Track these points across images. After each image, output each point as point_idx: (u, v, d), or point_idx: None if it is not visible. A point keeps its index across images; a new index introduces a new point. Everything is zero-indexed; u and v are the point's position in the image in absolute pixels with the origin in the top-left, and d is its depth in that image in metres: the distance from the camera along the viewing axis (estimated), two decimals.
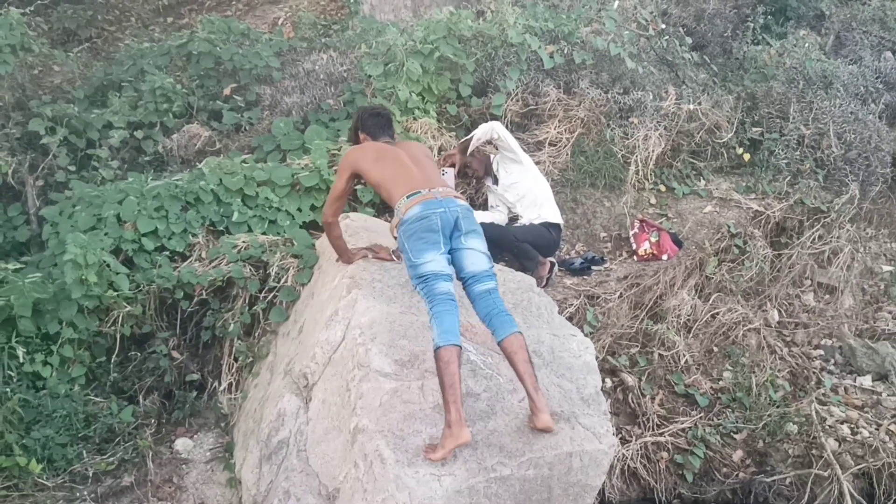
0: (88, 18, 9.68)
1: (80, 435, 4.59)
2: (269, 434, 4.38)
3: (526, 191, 5.93)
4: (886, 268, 7.07)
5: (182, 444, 4.89)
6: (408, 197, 4.01)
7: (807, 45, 7.96)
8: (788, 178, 7.01)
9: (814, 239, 6.81)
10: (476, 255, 4.00)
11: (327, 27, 8.57)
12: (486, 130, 5.78)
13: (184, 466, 4.75)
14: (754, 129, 7.32)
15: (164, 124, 6.95)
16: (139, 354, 5.16)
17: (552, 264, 5.97)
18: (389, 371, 3.99)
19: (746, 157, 7.18)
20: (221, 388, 5.26)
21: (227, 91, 7.25)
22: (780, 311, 6.55)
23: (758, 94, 7.50)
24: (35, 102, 6.89)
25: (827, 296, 6.77)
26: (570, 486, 3.86)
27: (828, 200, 6.96)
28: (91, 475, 4.48)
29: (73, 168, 6.46)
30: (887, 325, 6.50)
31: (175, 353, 5.27)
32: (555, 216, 5.97)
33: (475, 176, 6.19)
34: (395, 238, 4.14)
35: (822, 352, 6.25)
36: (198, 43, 7.52)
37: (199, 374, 5.32)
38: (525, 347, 3.81)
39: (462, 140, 6.01)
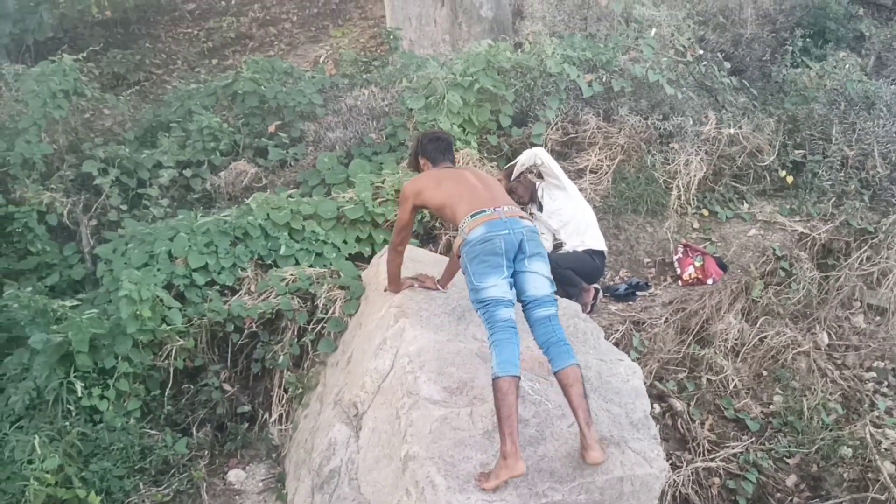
0: (137, 63, 10.03)
1: (136, 467, 4.69)
2: (320, 463, 4.43)
3: (570, 217, 5.97)
4: None
5: (235, 475, 4.96)
6: (472, 216, 3.92)
7: (847, 66, 7.92)
8: (833, 199, 6.95)
9: (861, 260, 6.72)
10: (539, 279, 3.92)
11: (368, 63, 8.75)
12: (530, 156, 5.85)
13: (237, 497, 4.82)
14: (797, 152, 7.28)
15: (212, 162, 7.14)
16: (192, 387, 5.26)
17: (596, 291, 5.97)
18: (438, 398, 4.03)
19: (789, 179, 7.14)
20: (272, 419, 5.33)
21: (271, 128, 7.43)
22: (829, 334, 6.46)
23: (799, 117, 7.46)
24: (88, 145, 7.13)
25: (878, 317, 6.66)
26: None
27: (874, 221, 6.87)
28: None
29: (124, 207, 6.67)
30: None
31: (226, 386, 5.37)
32: (598, 243, 5.99)
33: (520, 202, 6.24)
34: (459, 257, 4.05)
35: (874, 374, 6.14)
36: (243, 83, 7.73)
37: (250, 405, 5.41)
38: (581, 381, 3.75)
39: (507, 166, 6.08)
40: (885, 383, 6.02)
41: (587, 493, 3.75)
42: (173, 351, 5.13)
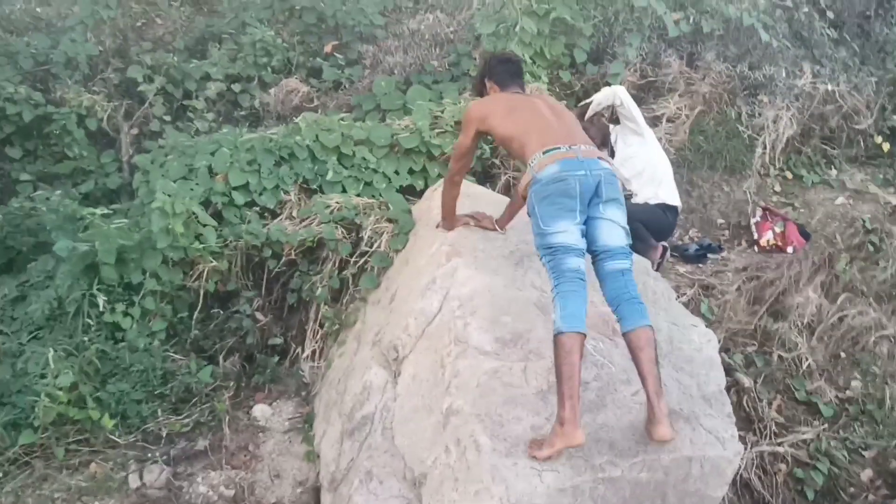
0: None
1: (156, 392, 4.37)
2: (352, 408, 4.05)
3: (644, 166, 5.43)
4: None
5: (260, 410, 4.62)
6: (544, 153, 3.43)
7: None
8: None
9: None
10: (615, 228, 3.45)
11: None
12: (608, 95, 5.31)
13: (261, 435, 4.47)
14: (895, 118, 6.63)
15: (262, 79, 6.74)
16: (221, 313, 4.91)
17: (665, 249, 5.47)
18: (489, 349, 3.60)
19: (885, 147, 6.52)
20: (305, 354, 4.97)
21: (328, 48, 6.98)
22: None
23: None
24: (136, 49, 6.75)
25: None
26: (686, 495, 3.40)
27: None
28: (164, 435, 4.26)
29: (168, 118, 6.34)
30: None
31: (259, 315, 5.01)
32: (673, 198, 5.46)
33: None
34: (523, 198, 3.58)
35: None
36: None
37: (283, 338, 5.05)
38: (654, 344, 3.29)
39: (581, 104, 5.55)
40: None
41: (650, 470, 3.31)
42: (205, 272, 4.76)
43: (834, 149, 6.49)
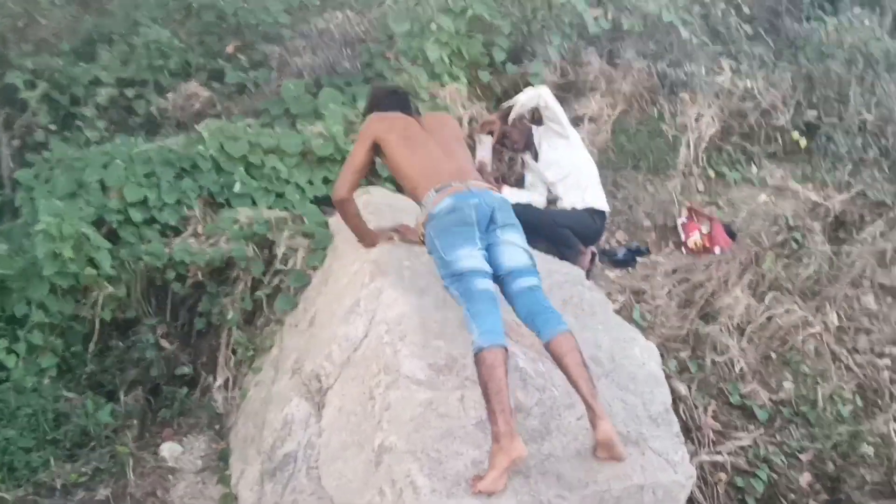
0: None
1: (47, 438, 3.89)
2: (272, 445, 3.68)
3: (570, 170, 5.22)
4: None
5: (169, 449, 4.20)
6: (437, 190, 3.46)
7: (866, 23, 7.25)
8: (849, 167, 6.33)
9: (875, 235, 6.14)
10: (515, 249, 3.42)
11: None
12: (532, 96, 5.07)
13: (170, 477, 4.06)
14: (810, 113, 6.62)
15: (159, 83, 6.21)
16: (121, 343, 4.44)
17: (593, 254, 5.30)
18: (423, 378, 3.30)
19: (802, 142, 6.49)
20: (217, 384, 4.56)
21: (230, 49, 6.51)
22: (839, 315, 5.87)
23: (814, 75, 6.79)
24: (16, 53, 6.15)
25: (889, 299, 6.09)
26: None
27: (892, 193, 6.27)
28: (59, 487, 3.78)
29: (54, 127, 5.75)
30: None
31: (164, 343, 4.57)
32: (600, 202, 5.26)
33: (514, 148, 5.47)
34: (422, 237, 3.56)
35: (888, 361, 5.58)
36: None
37: (192, 367, 4.62)
38: (577, 348, 3.17)
39: (503, 106, 5.30)
40: None
41: (601, 502, 3.08)
42: (100, 299, 4.29)
43: (753, 146, 6.43)
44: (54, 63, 6.02)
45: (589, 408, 3.10)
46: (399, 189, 5.20)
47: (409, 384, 3.26)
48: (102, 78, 6.07)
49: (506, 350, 3.08)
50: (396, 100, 3.95)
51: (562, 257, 4.93)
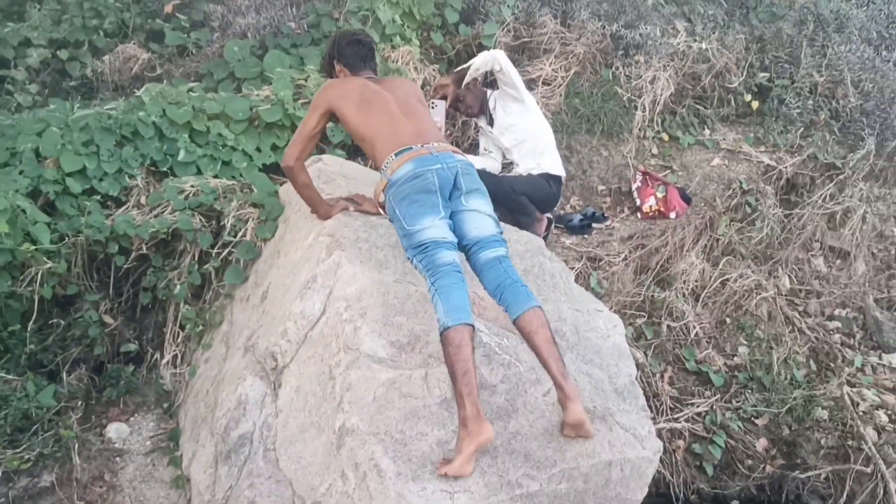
0: None
1: None
2: (226, 426, 3.53)
3: (526, 135, 5.10)
4: None
5: (115, 430, 4.04)
6: (396, 154, 3.30)
7: None
8: (801, 129, 6.33)
9: (825, 198, 6.17)
10: (481, 217, 3.29)
11: None
12: (487, 60, 4.90)
13: (118, 459, 3.90)
14: (762, 75, 6.60)
15: (94, 44, 5.91)
16: (62, 321, 4.22)
17: (549, 221, 5.22)
18: (384, 356, 3.19)
19: (755, 104, 6.47)
20: (164, 360, 4.39)
21: (168, 8, 6.20)
22: (790, 278, 5.92)
23: (766, 36, 6.75)
24: None
25: (839, 261, 6.16)
26: (606, 501, 3.14)
27: (841, 156, 6.30)
28: (1, 474, 3.59)
29: None
30: None
31: (107, 319, 4.37)
32: (556, 167, 5.16)
33: (468, 113, 5.31)
34: (382, 205, 3.42)
35: (838, 324, 5.65)
36: None
37: (137, 343, 4.44)
38: (547, 325, 3.08)
39: (457, 69, 5.13)
40: (854, 336, 5.51)
41: (569, 480, 3.03)
42: (39, 275, 4.05)
43: (707, 108, 6.39)
44: None
45: (559, 387, 3.03)
46: (353, 152, 5.08)
47: (371, 363, 3.15)
48: (33, 39, 5.77)
49: (472, 328, 2.98)
50: (358, 49, 3.73)
51: (518, 224, 4.84)
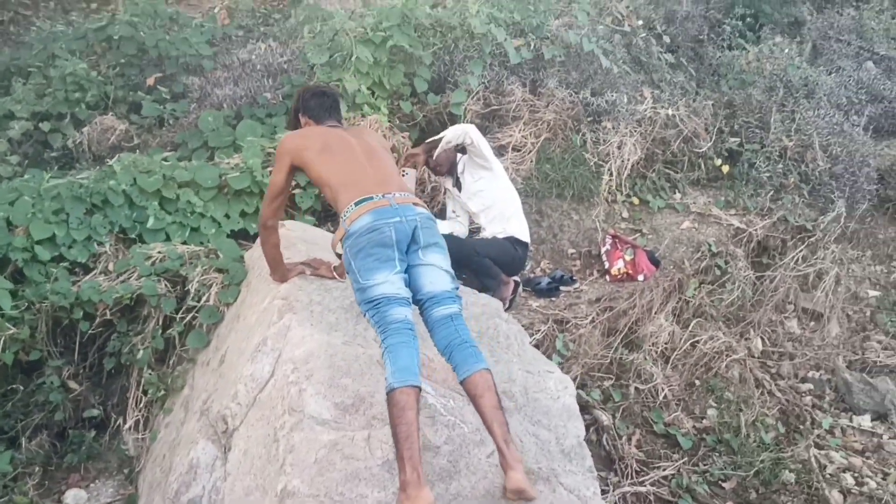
0: (1, 1, 8.72)
1: None
2: (177, 490, 3.55)
3: (493, 201, 5.19)
4: (872, 293, 6.52)
5: (73, 496, 4.05)
6: (357, 204, 3.26)
7: (786, 51, 7.42)
8: (771, 192, 6.43)
9: (797, 260, 6.22)
10: (436, 272, 3.27)
11: (267, 16, 7.76)
12: (459, 133, 5.00)
13: None
14: (732, 140, 6.73)
15: (76, 116, 6.09)
16: (24, 387, 4.26)
17: (516, 284, 5.27)
18: (328, 417, 3.21)
19: (725, 169, 6.59)
20: (127, 425, 4.40)
21: (150, 81, 6.40)
22: (763, 340, 5.93)
23: (736, 102, 6.91)
24: None
25: (812, 322, 6.18)
26: None
27: (812, 218, 6.38)
28: None
29: None
30: (878, 356, 5.91)
31: (72, 384, 4.41)
32: (523, 233, 5.24)
33: (437, 171, 5.37)
34: (339, 255, 3.39)
35: (810, 386, 5.63)
36: (119, 26, 6.67)
37: (101, 408, 4.46)
38: (494, 389, 3.07)
39: (428, 140, 5.23)
40: (825, 398, 5.50)
41: None
42: (1, 341, 4.11)
43: (677, 173, 6.50)
44: None
45: (501, 453, 3.01)
46: (323, 218, 5.17)
47: (314, 425, 3.17)
48: (16, 112, 5.95)
49: (419, 390, 2.98)
50: (322, 101, 3.74)
51: (483, 287, 4.90)
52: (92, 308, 4.36)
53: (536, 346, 4.84)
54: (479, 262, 5.03)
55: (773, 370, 5.74)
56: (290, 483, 3.02)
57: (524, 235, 5.25)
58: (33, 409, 4.26)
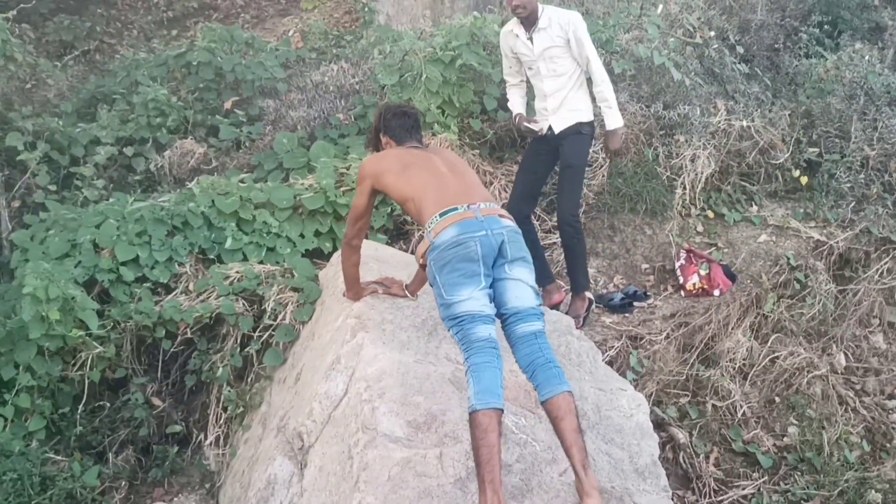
0: (88, 30, 9.12)
1: (32, 503, 3.85)
2: None
3: None
4: None
5: None
6: (440, 215, 3.24)
7: (866, 58, 7.20)
8: (853, 203, 6.23)
9: (882, 272, 6.01)
10: (522, 287, 3.22)
11: (339, 38, 7.93)
12: None
13: None
14: (811, 150, 6.55)
15: (157, 140, 6.32)
16: (110, 404, 4.43)
17: (590, 301, 5.22)
18: (401, 435, 3.25)
19: (804, 180, 6.41)
20: (208, 441, 4.53)
21: (227, 105, 6.61)
22: (846, 355, 5.75)
23: (814, 111, 6.73)
24: (16, 115, 6.26)
25: None
26: None
27: None
28: None
29: (53, 188, 5.82)
30: None
31: (156, 401, 4.56)
32: None
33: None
34: (423, 266, 3.37)
35: None
36: (197, 53, 6.91)
37: (184, 424, 4.60)
38: (575, 412, 3.04)
39: None
40: None
41: None
42: (89, 360, 4.29)
43: (753, 185, 6.36)
44: (54, 124, 6.12)
45: (578, 478, 2.99)
46: (394, 236, 5.23)
47: (387, 442, 3.21)
48: (102, 137, 6.19)
49: (501, 412, 2.96)
50: (404, 122, 3.73)
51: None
52: (174, 327, 4.50)
53: (610, 363, 4.81)
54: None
55: (858, 387, 5.56)
56: (365, 500, 3.07)
57: None
58: (119, 425, 4.43)
